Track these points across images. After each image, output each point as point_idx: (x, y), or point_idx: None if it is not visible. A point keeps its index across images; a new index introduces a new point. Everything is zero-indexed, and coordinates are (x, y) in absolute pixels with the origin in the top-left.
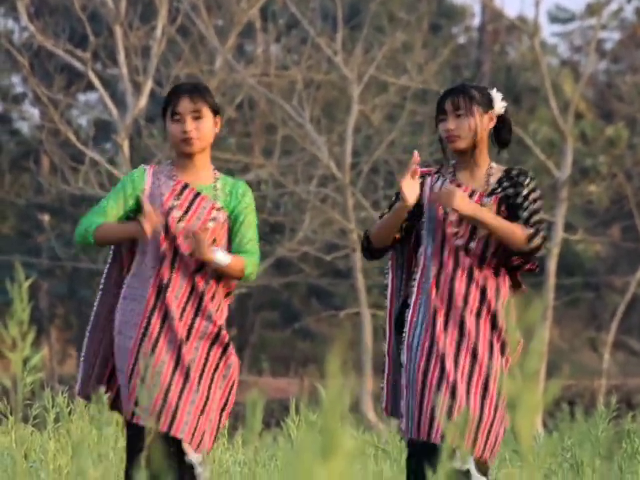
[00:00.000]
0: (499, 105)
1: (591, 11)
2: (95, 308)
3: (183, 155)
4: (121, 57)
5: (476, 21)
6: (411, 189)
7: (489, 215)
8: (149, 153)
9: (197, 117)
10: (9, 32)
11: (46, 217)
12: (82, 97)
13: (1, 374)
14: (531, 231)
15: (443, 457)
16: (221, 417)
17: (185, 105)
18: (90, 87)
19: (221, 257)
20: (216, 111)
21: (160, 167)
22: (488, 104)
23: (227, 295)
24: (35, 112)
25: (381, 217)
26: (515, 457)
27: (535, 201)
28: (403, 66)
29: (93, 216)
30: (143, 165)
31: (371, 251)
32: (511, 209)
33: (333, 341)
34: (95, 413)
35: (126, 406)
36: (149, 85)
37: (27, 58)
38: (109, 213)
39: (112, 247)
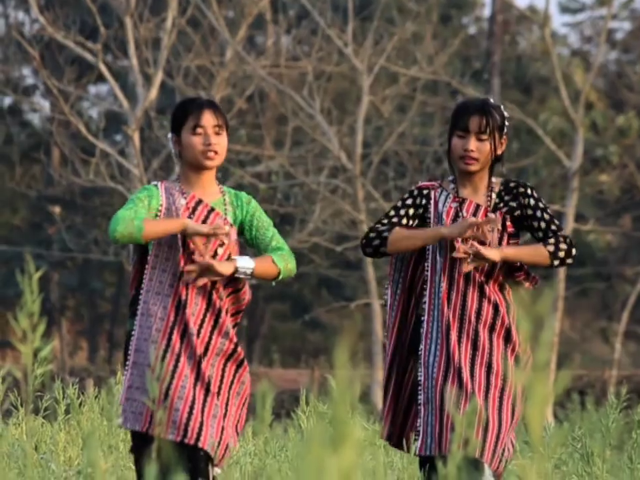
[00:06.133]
0: (506, 124)
1: (602, 1)
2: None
3: (195, 170)
4: (132, 48)
5: (486, 12)
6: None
7: (513, 252)
8: (160, 144)
9: (218, 133)
10: (20, 24)
11: (57, 209)
12: (92, 89)
13: (12, 366)
14: (551, 247)
15: (454, 447)
16: (236, 433)
17: (208, 118)
18: (100, 78)
19: (243, 263)
20: (228, 127)
21: (169, 183)
22: (503, 127)
23: (236, 313)
24: (45, 104)
25: (395, 215)
26: (526, 448)
27: (545, 209)
28: (413, 57)
29: (131, 211)
30: (153, 182)
31: (378, 251)
32: (519, 221)
33: (343, 332)
34: (105, 405)
35: (145, 421)
36: (159, 77)
37: (38, 50)
38: (142, 213)
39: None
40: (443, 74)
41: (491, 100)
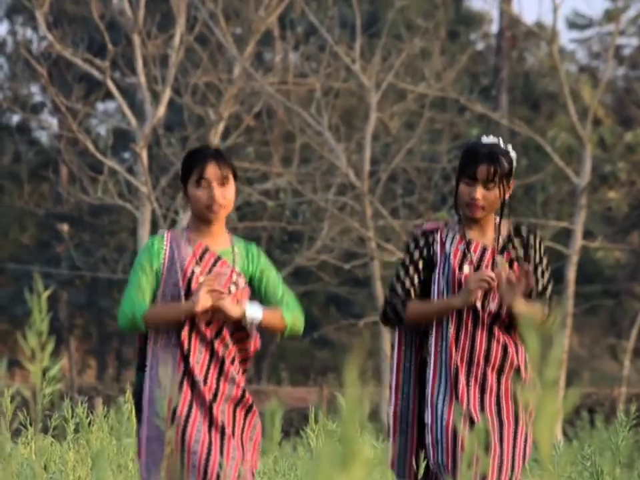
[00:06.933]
0: (514, 166)
1: (609, 17)
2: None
3: (202, 221)
4: (139, 65)
5: (494, 28)
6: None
7: (532, 309)
8: (168, 161)
9: (223, 184)
10: (28, 41)
11: (65, 227)
12: (100, 106)
13: (21, 385)
14: (547, 311)
15: (463, 468)
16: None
17: (212, 171)
18: (108, 95)
19: (252, 312)
20: (236, 175)
21: (176, 232)
22: (511, 173)
23: (244, 360)
24: (53, 121)
25: (406, 276)
26: (535, 466)
27: (547, 267)
28: (421, 73)
29: (134, 298)
30: (161, 230)
31: (395, 324)
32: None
33: (351, 350)
34: (114, 424)
35: (157, 469)
36: (167, 94)
37: (46, 67)
38: (146, 289)
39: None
40: (451, 90)
41: (501, 144)
